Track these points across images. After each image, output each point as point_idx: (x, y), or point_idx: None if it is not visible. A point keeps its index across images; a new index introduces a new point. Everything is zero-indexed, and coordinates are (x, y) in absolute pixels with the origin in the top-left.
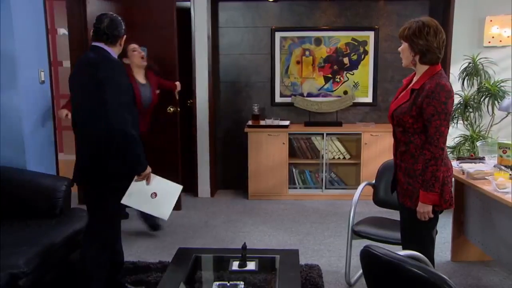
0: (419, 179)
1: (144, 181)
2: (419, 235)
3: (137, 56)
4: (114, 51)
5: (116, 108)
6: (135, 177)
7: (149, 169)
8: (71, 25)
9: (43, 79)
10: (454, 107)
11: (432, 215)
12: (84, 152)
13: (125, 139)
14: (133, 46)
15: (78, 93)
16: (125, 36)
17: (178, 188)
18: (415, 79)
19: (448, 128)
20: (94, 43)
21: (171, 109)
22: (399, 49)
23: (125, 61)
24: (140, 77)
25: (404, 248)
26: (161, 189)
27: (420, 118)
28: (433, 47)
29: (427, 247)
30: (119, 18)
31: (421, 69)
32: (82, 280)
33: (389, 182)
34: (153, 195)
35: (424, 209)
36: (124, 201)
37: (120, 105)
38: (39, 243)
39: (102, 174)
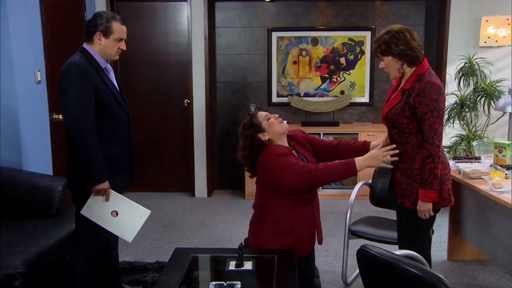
0: (417, 178)
1: (102, 197)
2: (416, 234)
3: (275, 123)
4: (94, 50)
5: (71, 110)
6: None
7: (105, 185)
8: None
9: (39, 79)
10: (450, 107)
11: (432, 213)
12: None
13: (77, 144)
14: (263, 113)
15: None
16: (102, 34)
17: (146, 212)
18: (403, 80)
19: (442, 125)
20: None
21: (187, 101)
22: (381, 66)
23: (263, 137)
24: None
25: (400, 248)
26: (123, 210)
27: (414, 118)
28: (414, 46)
29: (424, 247)
30: (102, 13)
31: (409, 71)
32: (75, 282)
33: (386, 181)
34: (114, 213)
35: (424, 207)
36: (84, 212)
37: (79, 110)
38: (35, 243)
39: (75, 179)
